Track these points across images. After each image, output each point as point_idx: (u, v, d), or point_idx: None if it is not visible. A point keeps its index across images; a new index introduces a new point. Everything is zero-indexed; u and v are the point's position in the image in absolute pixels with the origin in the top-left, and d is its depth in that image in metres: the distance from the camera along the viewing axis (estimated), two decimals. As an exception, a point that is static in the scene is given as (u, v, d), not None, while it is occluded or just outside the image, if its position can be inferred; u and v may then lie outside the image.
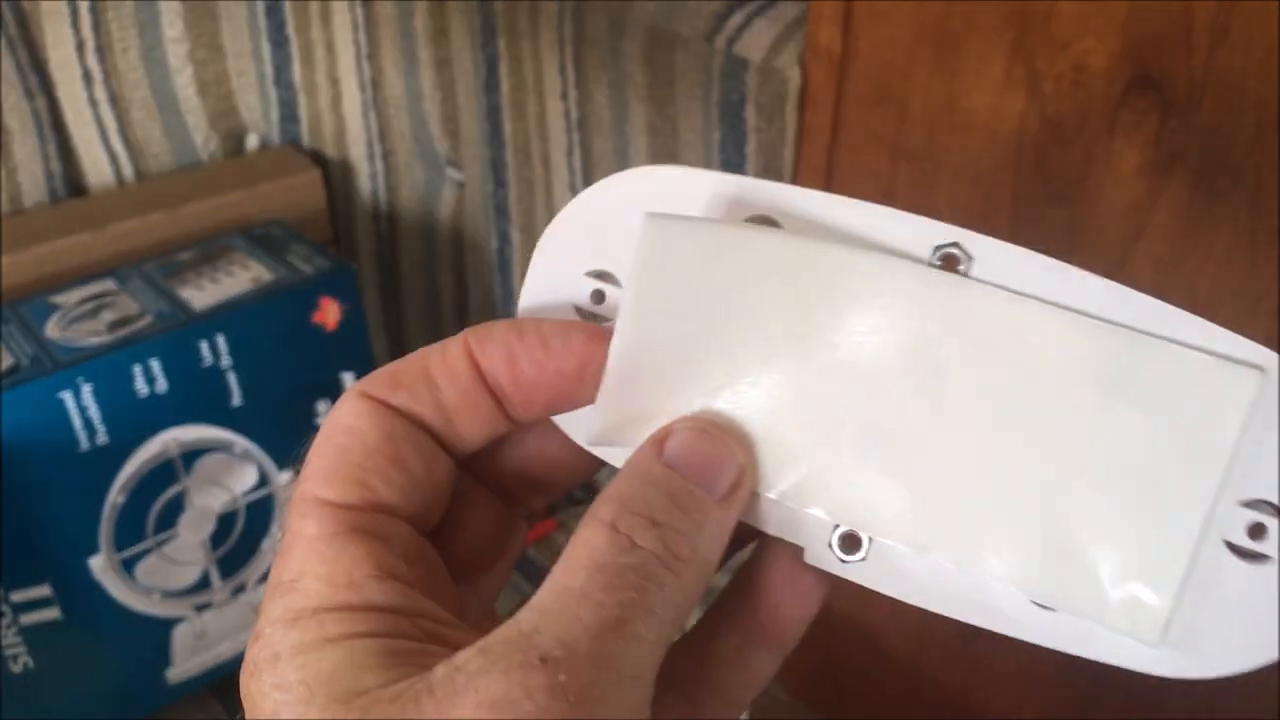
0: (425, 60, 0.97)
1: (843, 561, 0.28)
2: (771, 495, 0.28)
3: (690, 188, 0.28)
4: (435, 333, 0.89)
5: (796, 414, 0.27)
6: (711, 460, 0.27)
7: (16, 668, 0.74)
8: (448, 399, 0.28)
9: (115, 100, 0.94)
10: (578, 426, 0.29)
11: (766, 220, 0.28)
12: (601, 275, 0.29)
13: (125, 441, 0.75)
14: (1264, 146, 0.60)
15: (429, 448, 0.28)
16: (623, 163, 0.87)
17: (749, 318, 0.27)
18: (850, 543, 0.27)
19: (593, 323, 0.29)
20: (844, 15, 0.74)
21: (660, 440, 0.27)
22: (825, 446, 0.27)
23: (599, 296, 0.29)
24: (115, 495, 0.76)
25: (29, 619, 0.74)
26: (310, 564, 0.25)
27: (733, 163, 0.81)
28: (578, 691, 0.22)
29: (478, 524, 0.30)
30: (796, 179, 0.81)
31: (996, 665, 1.00)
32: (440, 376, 0.28)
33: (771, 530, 0.28)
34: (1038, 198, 0.71)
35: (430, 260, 1.08)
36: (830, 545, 0.28)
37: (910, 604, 0.28)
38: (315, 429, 0.28)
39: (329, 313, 0.82)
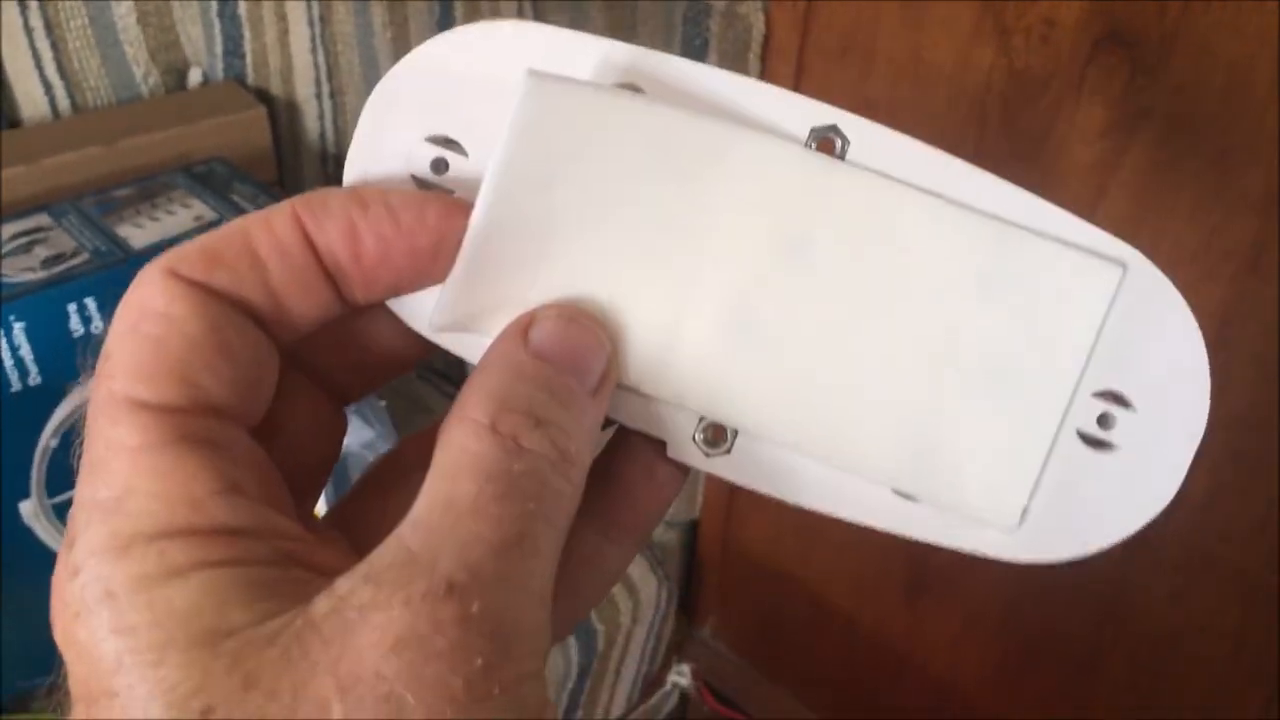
0: (376, -3, 0.94)
1: (706, 455, 0.27)
2: (637, 386, 0.26)
3: (549, 46, 0.26)
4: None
5: (663, 300, 0.25)
6: (581, 350, 0.25)
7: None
8: (276, 279, 0.24)
9: (51, 28, 0.90)
10: (417, 311, 0.26)
11: (634, 88, 0.26)
12: (445, 141, 0.26)
13: (59, 383, 0.73)
14: (1232, 107, 0.60)
15: (255, 336, 0.24)
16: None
17: (618, 193, 0.25)
18: (715, 436, 0.26)
19: (446, 196, 0.25)
20: (810, -37, 0.73)
21: (524, 328, 0.25)
22: (692, 336, 0.26)
23: (441, 165, 0.26)
24: (47, 439, 0.73)
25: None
26: (137, 480, 0.21)
27: (693, 110, 0.79)
28: (492, 620, 0.20)
29: (303, 420, 0.27)
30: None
31: (938, 621, 1.01)
32: (267, 253, 0.24)
33: (633, 424, 0.27)
34: (1002, 154, 0.70)
35: (378, 204, 1.06)
36: (694, 439, 0.26)
37: (771, 497, 0.27)
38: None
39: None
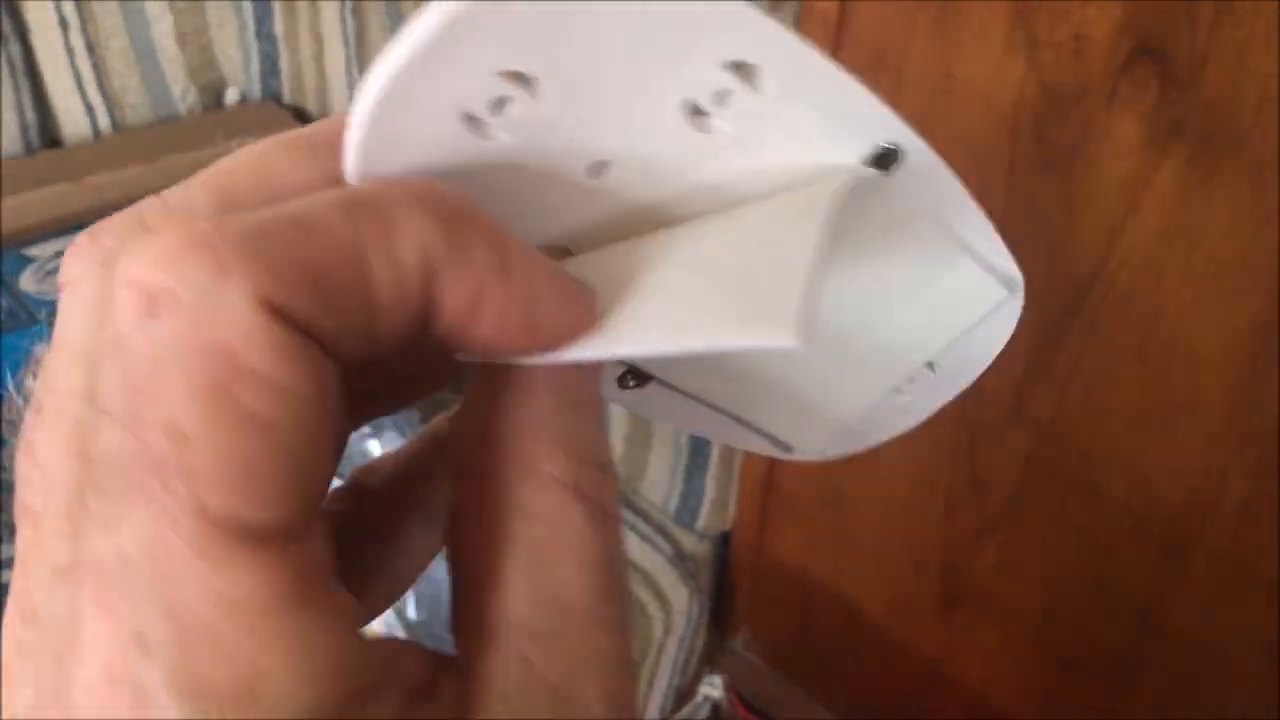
0: (411, 15, 0.95)
1: (621, 390, 0.26)
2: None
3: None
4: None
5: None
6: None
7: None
8: (382, 328, 0.18)
9: (92, 48, 0.92)
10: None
11: None
12: (521, 79, 0.20)
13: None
14: (1265, 120, 0.60)
15: (342, 393, 0.18)
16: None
17: None
18: (631, 379, 0.26)
19: (592, 289, 0.21)
20: (843, -21, 0.73)
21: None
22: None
23: (500, 105, 0.20)
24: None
25: (8, 576, 0.73)
26: (270, 657, 0.16)
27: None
28: None
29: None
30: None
31: (972, 633, 1.00)
32: (384, 294, 0.17)
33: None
34: (1034, 167, 0.70)
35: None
36: (617, 380, 0.26)
37: (653, 420, 0.28)
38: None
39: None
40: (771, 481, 1.06)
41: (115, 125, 0.96)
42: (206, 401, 0.15)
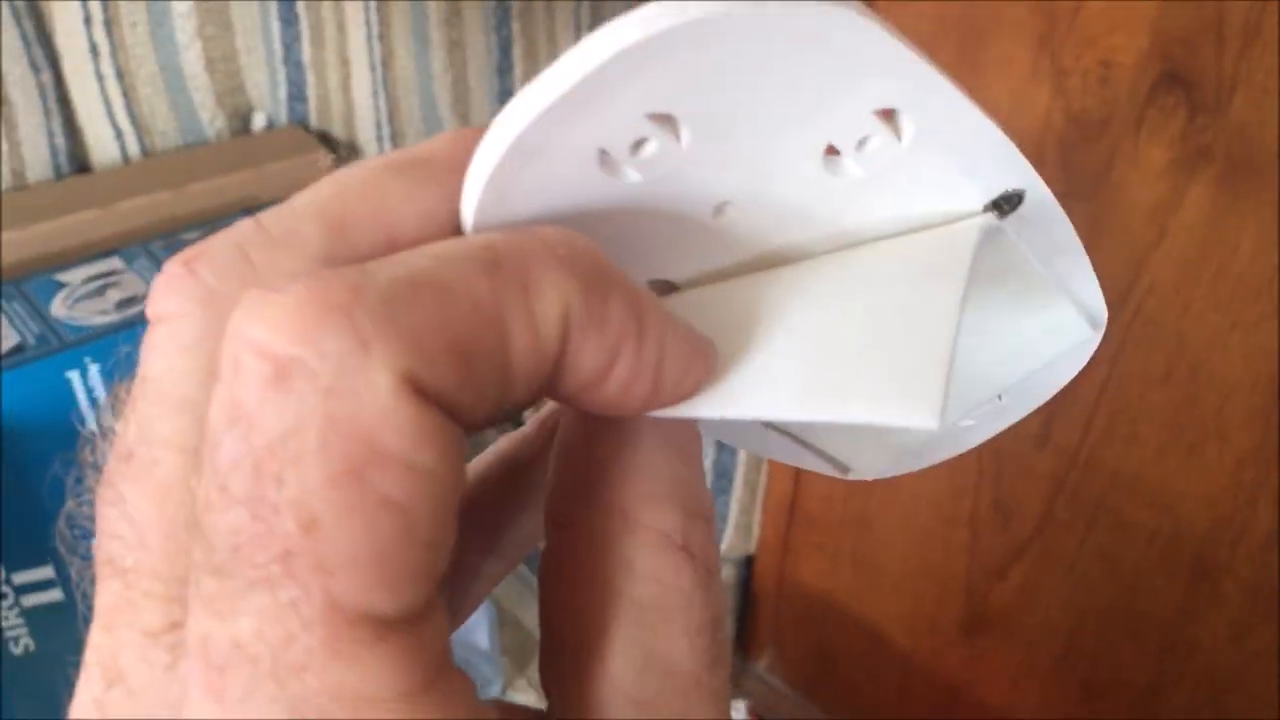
0: (437, 41, 0.96)
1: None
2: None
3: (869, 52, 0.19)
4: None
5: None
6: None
7: (18, 649, 0.73)
8: (516, 395, 0.16)
9: (122, 75, 0.93)
10: None
11: None
12: (664, 120, 0.19)
13: (131, 423, 0.74)
14: (1293, 147, 0.60)
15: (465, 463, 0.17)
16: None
17: None
18: None
19: (711, 343, 0.19)
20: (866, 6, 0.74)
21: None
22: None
23: (638, 146, 0.19)
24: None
25: (31, 600, 0.73)
26: None
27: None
28: None
29: None
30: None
31: (996, 658, 1.00)
32: (524, 363, 0.16)
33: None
34: (1060, 194, 0.70)
35: (436, 243, 1.07)
36: None
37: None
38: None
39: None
40: (795, 505, 1.06)
41: (144, 150, 0.97)
42: (342, 487, 0.14)
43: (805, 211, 0.22)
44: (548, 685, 0.19)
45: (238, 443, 0.14)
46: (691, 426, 0.20)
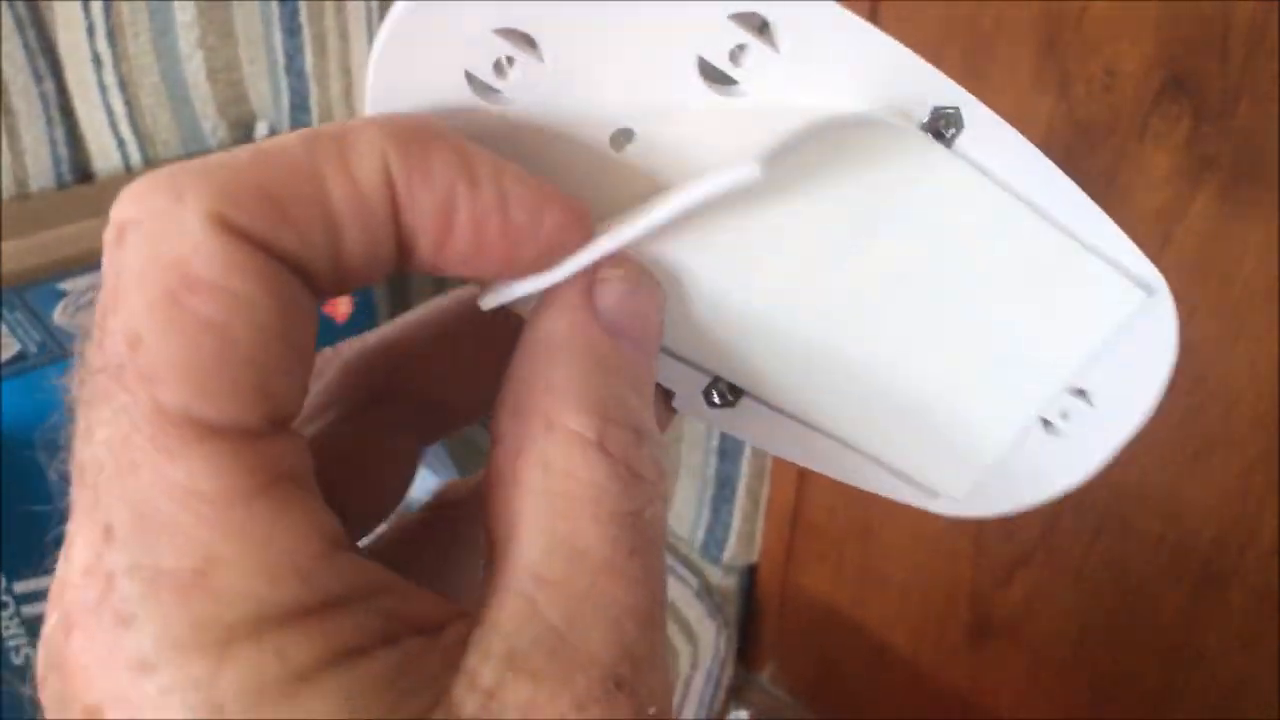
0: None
1: (710, 407, 0.26)
2: (673, 347, 0.25)
3: None
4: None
5: (727, 267, 0.24)
6: (648, 319, 0.21)
7: (19, 659, 0.73)
8: (348, 246, 0.18)
9: (125, 85, 0.93)
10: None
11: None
12: (517, 36, 0.20)
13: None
14: (1298, 154, 0.60)
15: (313, 313, 0.19)
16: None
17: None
18: (723, 391, 0.26)
19: (563, 193, 0.20)
20: (870, 13, 0.73)
21: (588, 291, 0.21)
22: (738, 304, 0.24)
23: (503, 66, 0.21)
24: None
25: (31, 610, 0.73)
26: (224, 545, 0.16)
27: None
28: None
29: (385, 461, 0.24)
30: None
31: (1003, 665, 0.99)
32: (344, 213, 0.18)
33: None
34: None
35: (438, 252, 1.07)
36: (703, 393, 0.26)
37: (754, 446, 0.27)
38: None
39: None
40: (798, 514, 1.06)
41: (146, 160, 0.97)
42: (160, 309, 0.16)
43: (708, 140, 0.22)
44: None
45: (98, 299, 0.17)
46: (631, 352, 0.21)
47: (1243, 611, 0.78)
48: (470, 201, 0.19)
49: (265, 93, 0.99)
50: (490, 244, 0.19)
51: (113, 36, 0.90)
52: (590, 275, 0.21)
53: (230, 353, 0.17)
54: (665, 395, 0.26)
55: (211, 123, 0.98)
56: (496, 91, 0.21)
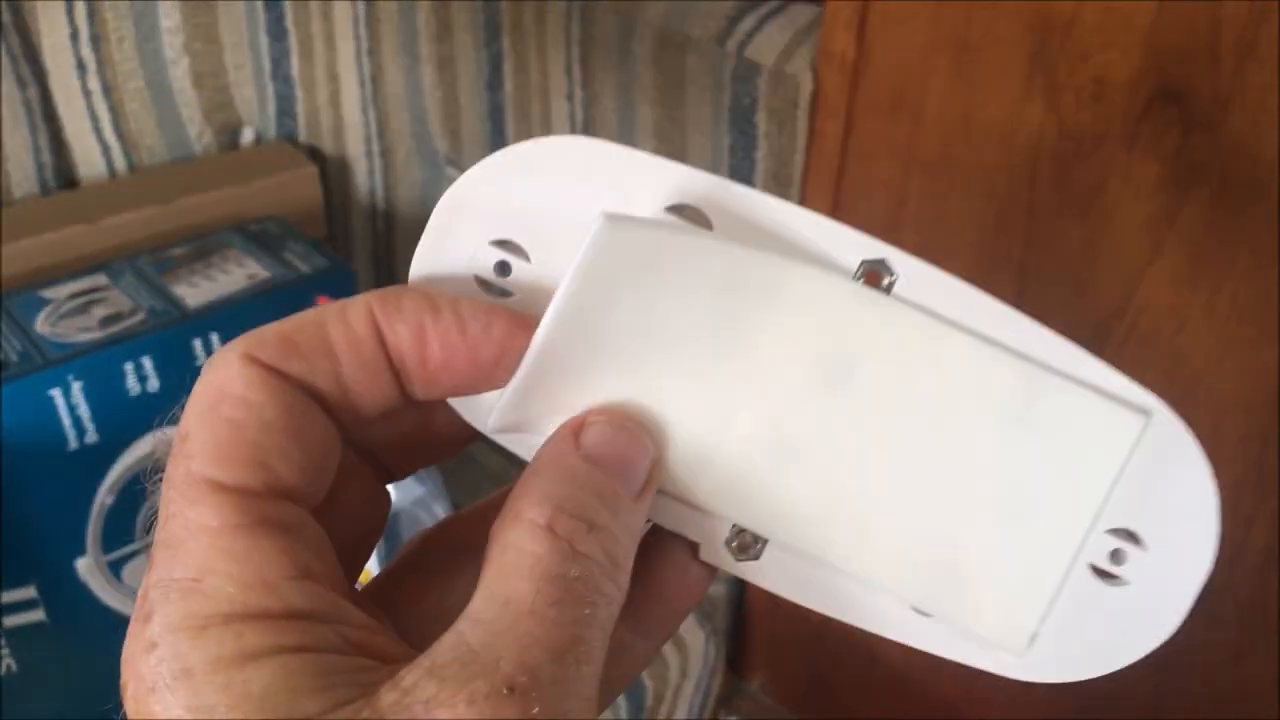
0: (427, 57, 0.96)
1: (737, 559, 0.28)
2: (676, 492, 0.28)
3: (609, 164, 0.27)
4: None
5: (708, 414, 0.27)
6: (628, 454, 0.26)
7: (1, 670, 0.72)
8: (347, 371, 0.25)
9: (109, 91, 0.92)
10: (475, 408, 0.28)
11: (691, 210, 0.27)
12: (508, 245, 0.27)
13: (115, 441, 0.74)
14: (1289, 164, 0.60)
15: (324, 421, 0.25)
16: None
17: (677, 320, 0.26)
18: (746, 542, 0.28)
19: (511, 309, 0.26)
20: (859, 20, 0.73)
21: (575, 431, 0.26)
22: (732, 449, 0.27)
23: (503, 268, 0.27)
24: (104, 496, 0.74)
25: (14, 621, 0.72)
26: (215, 561, 0.22)
27: (742, 168, 0.80)
28: None
29: (354, 494, 0.28)
30: (806, 185, 0.80)
31: (991, 676, 0.99)
32: (340, 345, 0.25)
33: (670, 526, 0.28)
34: (1053, 211, 0.70)
35: (426, 259, 1.07)
36: (726, 543, 0.28)
37: (795, 602, 0.28)
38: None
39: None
40: (788, 523, 1.05)
41: (131, 166, 0.96)
42: (204, 415, 0.24)
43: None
44: None
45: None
46: (601, 470, 0.26)
47: (1234, 625, 0.78)
48: (435, 323, 0.25)
49: (251, 98, 0.98)
50: (458, 354, 0.26)
51: (97, 42, 0.89)
52: (580, 419, 0.27)
53: (241, 438, 0.23)
54: (691, 547, 0.28)
55: (197, 128, 0.97)
56: (502, 289, 0.27)
